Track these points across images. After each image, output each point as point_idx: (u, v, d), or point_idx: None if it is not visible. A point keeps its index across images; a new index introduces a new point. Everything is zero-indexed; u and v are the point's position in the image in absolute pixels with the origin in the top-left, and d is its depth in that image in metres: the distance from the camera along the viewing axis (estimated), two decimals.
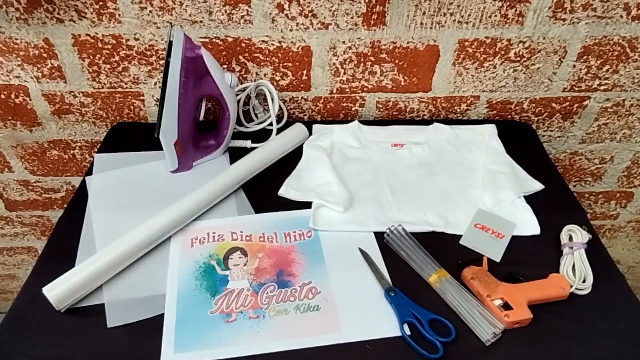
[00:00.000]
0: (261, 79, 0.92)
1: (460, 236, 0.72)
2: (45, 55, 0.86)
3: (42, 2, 0.79)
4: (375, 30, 0.86)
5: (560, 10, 0.84)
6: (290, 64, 0.90)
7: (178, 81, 0.73)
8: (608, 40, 0.88)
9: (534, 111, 1.00)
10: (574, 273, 0.66)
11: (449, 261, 0.67)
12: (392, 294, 0.63)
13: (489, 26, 0.86)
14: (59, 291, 0.60)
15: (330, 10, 0.83)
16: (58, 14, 0.81)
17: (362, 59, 0.90)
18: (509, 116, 1.00)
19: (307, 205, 0.76)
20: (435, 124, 0.91)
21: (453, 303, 0.62)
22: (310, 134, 0.90)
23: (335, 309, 0.63)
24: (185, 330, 0.60)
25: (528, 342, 0.59)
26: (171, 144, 0.78)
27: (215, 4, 0.81)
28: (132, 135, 0.92)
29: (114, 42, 0.85)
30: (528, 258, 0.69)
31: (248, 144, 0.89)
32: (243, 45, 0.87)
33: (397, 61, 0.90)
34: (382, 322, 0.61)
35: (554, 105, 0.99)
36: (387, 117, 1.00)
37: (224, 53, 0.88)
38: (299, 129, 0.88)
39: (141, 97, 0.94)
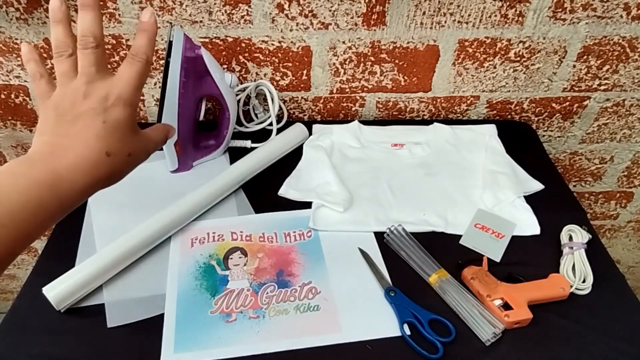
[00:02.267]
0: (261, 79, 0.92)
1: (460, 236, 0.72)
2: (45, 55, 0.86)
3: (42, 2, 0.79)
4: (375, 30, 0.86)
5: (560, 10, 0.84)
6: (290, 64, 0.90)
7: (178, 81, 0.72)
8: (608, 40, 0.88)
9: (534, 111, 1.00)
10: (574, 273, 0.66)
11: (449, 261, 0.67)
12: (392, 294, 0.63)
13: (489, 26, 0.86)
14: (59, 291, 0.60)
15: (330, 10, 0.83)
16: None
17: (362, 59, 0.90)
18: (509, 116, 1.01)
19: (307, 205, 0.76)
20: (435, 124, 0.91)
21: (453, 303, 0.62)
22: (310, 134, 0.90)
23: (335, 309, 0.63)
24: (185, 330, 0.60)
25: (528, 342, 0.59)
26: (171, 144, 0.78)
27: (215, 4, 0.81)
28: None
29: (114, 42, 0.85)
30: (528, 258, 0.69)
31: (248, 144, 0.89)
32: (243, 45, 0.87)
33: (397, 61, 0.90)
34: (382, 322, 0.61)
35: (554, 105, 0.99)
36: (387, 117, 1.00)
37: (224, 53, 0.88)
38: (299, 129, 0.88)
39: (141, 97, 0.94)
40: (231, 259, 0.69)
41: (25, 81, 0.90)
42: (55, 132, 0.41)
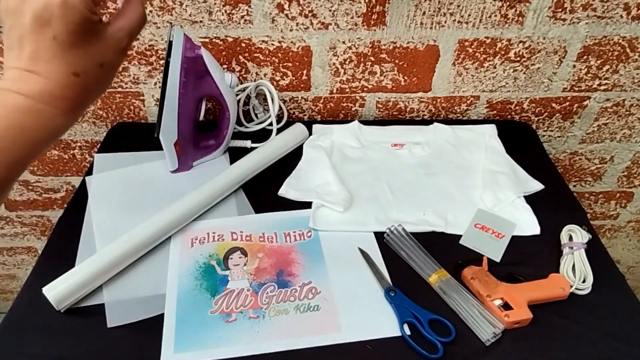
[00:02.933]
0: (261, 79, 0.92)
1: (460, 236, 0.72)
2: None
3: None
4: (375, 30, 0.86)
5: (560, 10, 0.84)
6: (290, 64, 0.90)
7: (178, 81, 0.73)
8: (608, 40, 0.88)
9: (534, 111, 1.00)
10: (574, 273, 0.66)
11: (449, 261, 0.67)
12: (392, 294, 0.63)
13: (489, 26, 0.86)
14: (59, 291, 0.60)
15: (330, 10, 0.83)
16: None
17: (362, 59, 0.90)
18: (509, 116, 1.01)
19: (307, 205, 0.76)
20: (435, 124, 0.91)
21: (453, 303, 0.62)
22: (310, 134, 0.90)
23: (335, 309, 0.63)
24: (185, 330, 0.60)
25: (528, 342, 0.59)
26: (171, 144, 0.78)
27: (215, 4, 0.81)
28: (132, 135, 0.92)
29: None
30: (528, 258, 0.69)
31: (248, 144, 0.89)
32: (243, 45, 0.87)
33: (397, 61, 0.90)
34: (382, 322, 0.61)
35: (554, 105, 0.99)
36: (387, 117, 1.00)
37: (224, 53, 0.88)
38: (299, 129, 0.88)
39: (141, 97, 0.94)
40: (231, 259, 0.69)
41: None
42: (15, 55, 0.37)
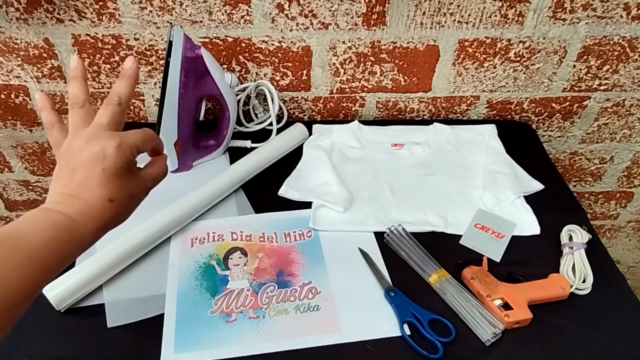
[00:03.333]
0: (261, 79, 0.92)
1: (460, 236, 0.72)
2: (45, 55, 0.86)
3: (42, 2, 0.79)
4: (375, 30, 0.86)
5: (560, 10, 0.84)
6: (290, 64, 0.90)
7: (178, 81, 0.73)
8: (608, 40, 0.88)
9: (534, 111, 1.00)
10: (574, 273, 0.66)
11: (449, 261, 0.67)
12: (392, 294, 0.63)
13: (489, 26, 0.86)
14: (59, 291, 0.60)
15: (330, 10, 0.83)
16: (58, 14, 0.81)
17: (362, 59, 0.90)
18: (509, 116, 1.01)
19: (307, 205, 0.76)
20: (435, 124, 0.91)
21: (453, 303, 0.62)
22: (310, 134, 0.90)
23: (335, 309, 0.63)
24: (185, 330, 0.60)
25: (528, 342, 0.59)
26: (171, 144, 0.78)
27: (215, 4, 0.81)
28: None
29: (114, 42, 0.85)
30: (528, 258, 0.69)
31: (248, 144, 0.89)
32: (243, 45, 0.87)
33: (397, 61, 0.90)
34: (382, 322, 0.61)
35: (554, 105, 0.99)
36: (387, 117, 1.00)
37: (224, 53, 0.88)
38: (299, 129, 0.88)
39: (141, 97, 0.94)
40: (231, 259, 0.69)
41: (25, 81, 0.90)
42: (63, 182, 0.45)
